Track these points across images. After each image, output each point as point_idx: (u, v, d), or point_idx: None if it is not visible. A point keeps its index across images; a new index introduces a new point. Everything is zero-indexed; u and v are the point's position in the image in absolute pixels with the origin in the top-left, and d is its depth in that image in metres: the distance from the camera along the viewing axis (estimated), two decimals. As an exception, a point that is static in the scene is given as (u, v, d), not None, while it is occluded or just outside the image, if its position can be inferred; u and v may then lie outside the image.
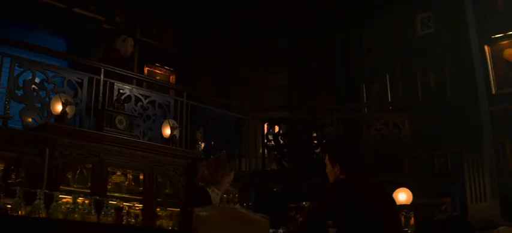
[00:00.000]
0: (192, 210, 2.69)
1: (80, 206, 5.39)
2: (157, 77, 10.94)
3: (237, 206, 4.21)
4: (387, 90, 11.68)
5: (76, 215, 4.58)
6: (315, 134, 10.46)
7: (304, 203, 4.32)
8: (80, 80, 7.46)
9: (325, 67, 12.02)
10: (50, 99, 6.92)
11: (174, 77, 11.38)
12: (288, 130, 10.15)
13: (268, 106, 11.10)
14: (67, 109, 6.69)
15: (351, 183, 3.94)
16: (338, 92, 12.02)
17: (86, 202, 5.71)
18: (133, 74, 8.70)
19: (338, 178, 4.06)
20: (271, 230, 4.80)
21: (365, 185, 3.98)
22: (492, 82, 10.23)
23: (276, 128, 10.31)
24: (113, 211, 4.79)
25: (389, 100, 11.62)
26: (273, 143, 9.96)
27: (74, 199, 5.04)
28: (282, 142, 9.94)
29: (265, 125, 10.23)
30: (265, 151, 10.03)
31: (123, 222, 4.73)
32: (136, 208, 7.19)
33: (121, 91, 7.91)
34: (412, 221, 7.58)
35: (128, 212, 5.63)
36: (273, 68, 12.03)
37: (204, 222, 2.68)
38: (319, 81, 11.97)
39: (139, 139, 7.65)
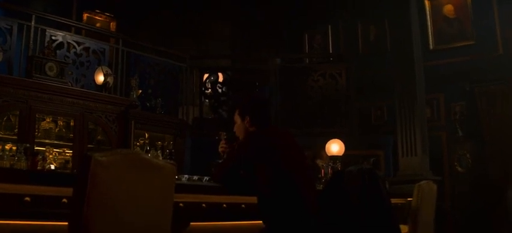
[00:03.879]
0: (91, 155, 2.68)
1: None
2: (98, 24, 10.79)
3: (138, 150, 4.23)
4: (328, 41, 11.79)
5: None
6: (257, 83, 10.51)
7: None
8: (9, 27, 7.35)
9: (268, 16, 12.01)
10: (-23, 47, 6.81)
11: (114, 24, 11.24)
12: (225, 78, 10.17)
13: (206, 54, 11.07)
14: (-6, 56, 6.61)
15: (264, 133, 4.01)
16: (281, 42, 12.07)
17: (13, 148, 5.72)
18: (65, 20, 8.54)
19: (249, 131, 4.10)
20: (186, 176, 4.87)
21: (276, 135, 4.07)
22: (430, 37, 10.38)
23: (220, 78, 10.31)
24: (23, 156, 4.79)
25: (331, 51, 11.72)
26: (210, 91, 9.99)
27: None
28: (220, 90, 9.97)
29: (205, 75, 10.21)
30: (203, 99, 10.05)
31: (38, 167, 4.74)
32: (67, 154, 7.21)
33: (53, 38, 7.82)
34: (338, 173, 7.73)
35: (44, 158, 5.62)
36: (216, 18, 11.96)
37: (104, 167, 2.66)
38: (262, 31, 11.97)
39: (71, 86, 7.58)
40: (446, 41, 10.28)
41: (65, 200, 2.93)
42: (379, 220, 3.97)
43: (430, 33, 10.39)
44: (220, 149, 4.35)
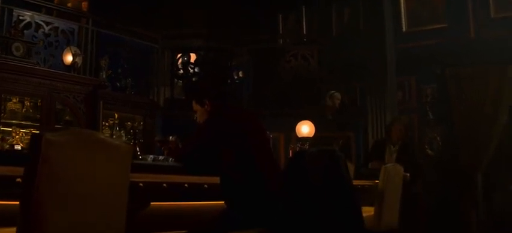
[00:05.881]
0: (42, 134, 2.60)
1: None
2: (69, 4, 10.60)
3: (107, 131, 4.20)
4: (303, 23, 11.74)
5: None
6: (229, 64, 10.47)
7: (171, 137, 4.34)
8: (-26, 8, 7.27)
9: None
10: None
11: (86, 4, 11.07)
12: (197, 59, 10.10)
13: (178, 34, 10.97)
14: (-42, 37, 6.51)
15: (227, 115, 3.98)
16: (254, 23, 11.98)
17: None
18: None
19: (212, 114, 4.05)
20: (151, 156, 4.86)
21: (247, 120, 4.04)
22: (403, 19, 10.36)
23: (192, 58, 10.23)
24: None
25: (305, 32, 11.67)
26: (182, 72, 9.93)
27: None
28: (191, 71, 9.91)
29: (178, 55, 10.15)
30: (175, 80, 9.99)
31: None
32: (34, 135, 7.14)
33: (20, 18, 7.71)
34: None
35: (3, 138, 5.56)
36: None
37: (55, 146, 2.60)
38: (236, 12, 11.88)
39: (39, 66, 7.51)
40: (419, 23, 10.27)
41: (19, 179, 2.88)
42: (341, 200, 3.98)
43: (403, 15, 10.36)
44: (166, 154, 4.35)
